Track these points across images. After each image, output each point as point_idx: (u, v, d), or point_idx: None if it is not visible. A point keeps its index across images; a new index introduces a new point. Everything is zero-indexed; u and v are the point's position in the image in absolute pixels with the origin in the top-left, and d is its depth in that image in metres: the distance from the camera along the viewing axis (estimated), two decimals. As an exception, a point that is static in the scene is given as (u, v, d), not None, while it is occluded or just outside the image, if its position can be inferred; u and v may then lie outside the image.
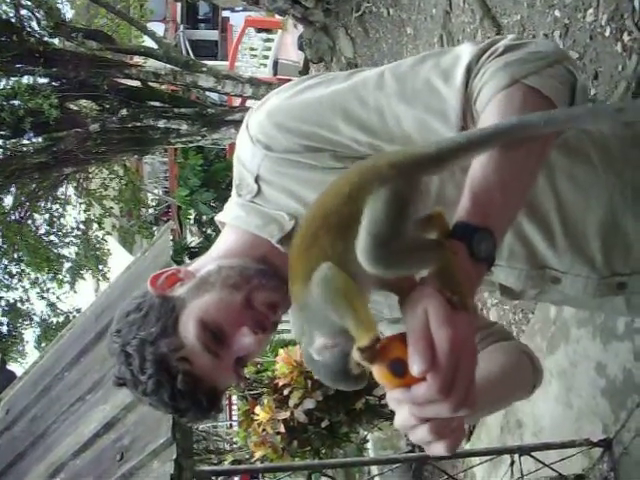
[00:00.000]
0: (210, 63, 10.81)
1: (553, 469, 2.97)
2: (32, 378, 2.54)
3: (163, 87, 8.64)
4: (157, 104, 8.10)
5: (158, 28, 13.18)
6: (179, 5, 16.90)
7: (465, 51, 1.01)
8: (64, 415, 2.14)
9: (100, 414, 1.92)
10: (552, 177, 1.12)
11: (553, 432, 3.42)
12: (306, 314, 0.84)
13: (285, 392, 4.80)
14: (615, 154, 1.15)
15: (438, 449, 0.84)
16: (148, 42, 9.45)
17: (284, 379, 4.84)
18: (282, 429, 4.72)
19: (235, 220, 1.21)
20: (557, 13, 3.69)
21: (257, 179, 1.16)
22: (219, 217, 1.27)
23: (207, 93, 8.90)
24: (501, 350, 1.23)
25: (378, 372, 0.81)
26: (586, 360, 3.36)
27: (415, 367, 0.77)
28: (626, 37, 3.14)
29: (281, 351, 5.08)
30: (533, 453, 2.97)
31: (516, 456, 3.04)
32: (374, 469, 5.00)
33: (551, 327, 3.62)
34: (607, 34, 3.30)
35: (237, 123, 7.84)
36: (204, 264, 1.21)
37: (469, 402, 0.80)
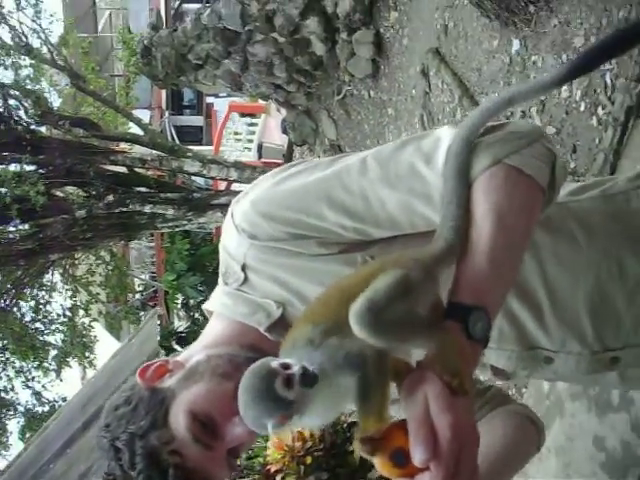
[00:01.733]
0: (195, 148, 10.97)
1: None
2: (16, 471, 2.45)
3: (149, 173, 8.72)
4: (143, 189, 8.16)
5: (144, 115, 13.41)
6: (164, 92, 17.25)
7: (445, 133, 1.02)
8: (50, 509, 2.06)
9: (87, 507, 1.85)
10: (538, 256, 1.12)
11: (553, 511, 3.33)
12: (301, 347, 0.82)
13: (277, 479, 4.68)
14: (598, 231, 1.15)
15: None
16: (134, 129, 9.60)
17: (276, 465, 4.73)
18: (275, 517, 4.58)
19: (222, 308, 1.21)
20: (534, 91, 3.80)
21: (244, 267, 1.15)
22: (206, 306, 1.26)
23: (193, 178, 8.98)
24: (501, 418, 1.21)
25: (379, 462, 0.79)
26: (583, 434, 3.30)
27: (417, 457, 0.76)
28: (600, 111, 3.23)
29: (272, 437, 4.98)
30: (534, 532, 2.87)
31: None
32: None
33: (545, 402, 3.58)
34: (582, 109, 3.39)
35: (223, 207, 7.89)
36: (193, 354, 1.20)
37: None
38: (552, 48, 3.63)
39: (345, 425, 5.04)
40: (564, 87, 3.52)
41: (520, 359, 1.16)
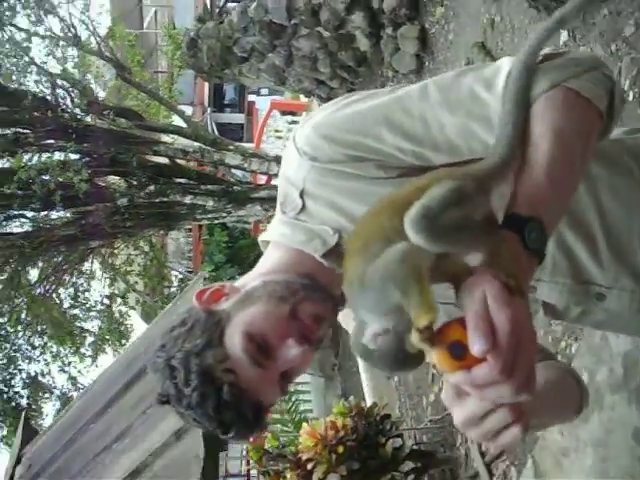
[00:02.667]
0: (240, 144, 11.05)
1: (591, 541, 2.83)
2: (56, 432, 2.50)
3: (191, 164, 8.81)
4: (184, 181, 8.24)
5: (186, 111, 13.54)
6: (206, 89, 17.40)
7: (505, 62, 1.04)
8: (89, 466, 2.10)
9: (127, 461, 1.89)
10: (594, 189, 1.12)
11: (589, 506, 3.28)
12: (360, 295, 0.84)
13: (309, 467, 4.68)
14: None
15: (513, 434, 0.83)
16: (177, 121, 9.70)
17: (308, 453, 4.73)
18: (306, 505, 4.59)
19: (279, 237, 1.22)
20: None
21: (302, 193, 1.17)
22: (263, 237, 1.27)
23: (233, 171, 9.05)
24: (545, 367, 1.20)
25: (437, 355, 0.81)
26: (622, 427, 3.25)
27: (476, 347, 0.77)
28: (652, 103, 3.19)
29: (305, 425, 4.99)
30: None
31: (551, 530, 2.92)
32: None
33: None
34: (630, 98, 3.34)
35: (263, 200, 7.94)
36: (249, 281, 1.21)
37: (531, 385, 0.80)
38: (601, 38, 3.59)
39: (378, 417, 5.03)
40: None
41: (572, 293, 1.15)
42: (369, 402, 6.36)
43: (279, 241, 1.22)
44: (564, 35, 3.93)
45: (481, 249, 0.84)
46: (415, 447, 5.58)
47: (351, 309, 0.89)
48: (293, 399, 7.66)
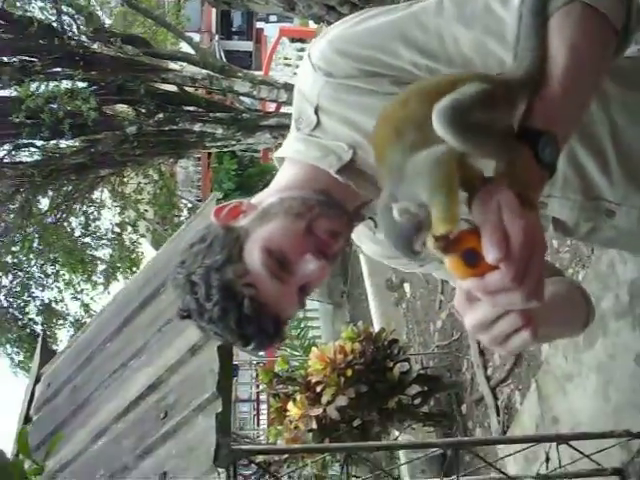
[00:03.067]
0: (249, 71, 10.90)
1: (592, 459, 2.92)
2: (73, 352, 2.57)
3: (199, 92, 8.73)
4: (193, 108, 8.18)
5: (193, 38, 13.33)
6: (214, 16, 17.10)
7: None
8: (106, 382, 2.17)
9: (143, 377, 1.95)
10: (607, 106, 1.13)
11: (591, 427, 3.38)
12: (397, 178, 0.87)
13: (318, 389, 4.80)
14: None
15: (522, 338, 0.87)
16: (185, 48, 9.58)
17: (317, 376, 4.85)
18: (314, 426, 4.71)
19: (294, 154, 1.24)
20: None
21: (317, 110, 1.18)
22: (278, 153, 1.29)
23: (242, 98, 8.97)
24: (554, 282, 1.23)
25: (451, 262, 0.84)
26: (626, 352, 3.32)
27: (491, 255, 0.80)
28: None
29: (314, 349, 5.10)
30: (571, 443, 2.93)
31: (552, 450, 3.01)
32: (403, 458, 4.98)
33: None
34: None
35: (272, 128, 7.89)
36: (265, 197, 1.24)
37: (540, 293, 0.83)
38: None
39: (386, 342, 5.13)
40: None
41: (582, 210, 1.18)
42: (377, 328, 6.47)
43: (294, 157, 1.24)
44: None
45: (499, 157, 0.86)
46: (422, 371, 5.71)
47: (387, 188, 0.90)
48: (302, 325, 7.80)
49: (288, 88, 8.04)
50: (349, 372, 4.82)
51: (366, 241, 1.39)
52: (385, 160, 0.89)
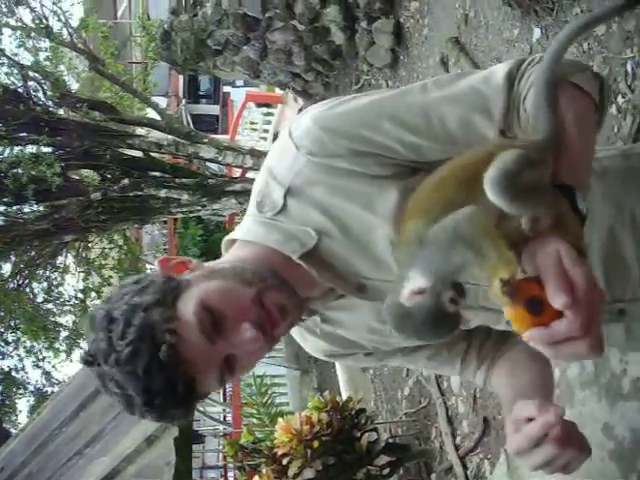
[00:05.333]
0: (214, 137, 10.98)
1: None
2: (28, 435, 2.48)
3: (165, 157, 8.74)
4: (159, 174, 8.18)
5: (160, 102, 13.44)
6: (181, 80, 17.28)
7: (500, 65, 1.11)
8: (61, 470, 2.09)
9: (99, 467, 1.88)
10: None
11: (560, 499, 3.33)
12: (416, 254, 0.86)
13: (284, 462, 4.70)
14: (614, 185, 1.21)
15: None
16: (151, 114, 9.63)
17: (283, 448, 4.75)
18: (281, 500, 4.60)
19: (250, 236, 1.18)
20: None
21: (287, 193, 1.14)
22: (231, 236, 1.23)
23: (208, 164, 9.00)
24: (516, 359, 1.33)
25: (513, 311, 0.81)
26: (593, 422, 3.29)
27: (559, 300, 0.79)
28: (620, 99, 3.21)
29: (280, 420, 5.01)
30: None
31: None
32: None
33: (555, 390, 3.58)
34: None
35: (237, 194, 7.91)
36: (216, 263, 1.19)
37: (602, 344, 0.83)
38: (574, 37, 3.61)
39: (353, 412, 5.05)
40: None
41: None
42: (345, 395, 6.39)
43: (250, 239, 1.18)
44: (537, 32, 3.95)
45: (550, 212, 0.87)
46: (390, 440, 5.62)
47: (399, 272, 0.90)
48: (269, 392, 7.68)
49: (253, 154, 8.10)
50: (316, 444, 4.73)
51: (311, 338, 1.32)
52: (406, 237, 0.89)
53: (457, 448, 4.85)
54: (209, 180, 8.03)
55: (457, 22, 4.99)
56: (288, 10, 6.95)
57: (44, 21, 8.44)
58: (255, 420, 7.03)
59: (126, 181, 7.77)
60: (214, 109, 19.47)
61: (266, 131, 11.93)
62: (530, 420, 0.99)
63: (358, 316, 1.24)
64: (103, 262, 9.30)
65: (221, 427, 9.92)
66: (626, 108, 3.16)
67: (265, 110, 12.30)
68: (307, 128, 1.12)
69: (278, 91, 10.29)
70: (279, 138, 1.18)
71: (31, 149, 7.62)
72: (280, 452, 4.77)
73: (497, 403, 4.28)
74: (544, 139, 0.96)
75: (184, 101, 17.67)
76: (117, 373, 1.05)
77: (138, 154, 8.32)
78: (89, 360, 1.09)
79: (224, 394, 11.25)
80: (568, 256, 0.82)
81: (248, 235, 1.19)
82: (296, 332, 1.32)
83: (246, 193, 8.01)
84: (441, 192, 0.90)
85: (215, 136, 12.10)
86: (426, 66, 5.66)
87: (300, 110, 9.02)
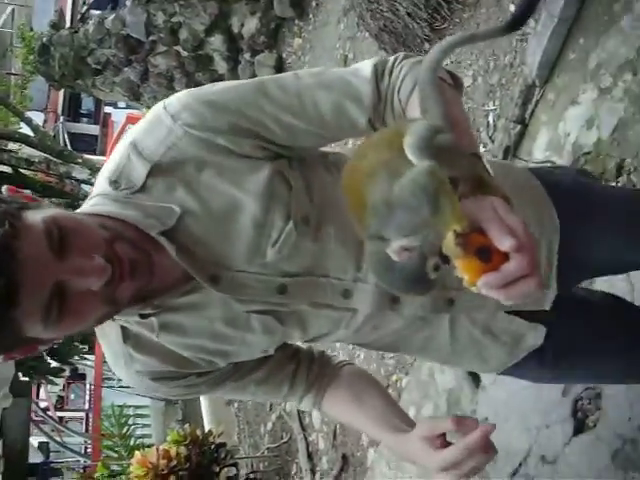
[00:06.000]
0: (89, 157, 10.66)
1: None
2: None
3: (37, 175, 8.41)
4: (28, 192, 7.85)
5: (38, 117, 12.99)
6: (61, 97, 16.77)
7: (366, 61, 1.17)
8: None
9: None
10: None
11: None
12: (388, 216, 0.88)
13: (139, 496, 4.55)
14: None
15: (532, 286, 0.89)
16: (25, 129, 9.27)
17: (138, 482, 4.60)
18: (134, 537, 4.44)
19: (104, 211, 1.09)
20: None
21: (152, 170, 1.08)
22: (79, 210, 1.14)
23: (82, 185, 8.72)
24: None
25: (465, 262, 0.87)
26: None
27: (507, 243, 0.85)
28: (482, 149, 3.35)
29: (137, 453, 4.85)
30: None
31: None
32: None
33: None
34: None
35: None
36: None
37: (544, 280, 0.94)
38: (442, 85, 3.75)
39: (213, 446, 4.96)
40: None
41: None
42: (207, 428, 6.26)
43: (102, 213, 1.10)
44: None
45: (469, 171, 0.94)
46: (251, 476, 5.55)
47: (371, 235, 0.91)
48: (129, 423, 7.43)
49: (129, 177, 7.92)
50: (172, 478, 4.60)
51: (139, 357, 1.20)
52: (366, 203, 0.91)
53: (316, 484, 4.84)
54: (80, 202, 7.78)
55: (337, 62, 5.09)
56: (172, 35, 6.90)
57: None
58: (112, 453, 6.77)
59: (-9, 197, 7.42)
60: (94, 129, 18.99)
61: (145, 155, 11.68)
62: (443, 435, 1.15)
63: (202, 319, 1.16)
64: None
65: (82, 460, 9.51)
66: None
67: (146, 134, 12.07)
68: (186, 102, 1.09)
69: (160, 116, 10.14)
70: (146, 115, 1.13)
71: None
72: (135, 486, 4.61)
73: (357, 439, 4.30)
74: (440, 116, 1.01)
75: (62, 118, 17.13)
76: None
77: (7, 170, 7.97)
78: None
79: (86, 424, 10.83)
80: (502, 206, 0.89)
81: (99, 209, 1.10)
82: (116, 354, 1.21)
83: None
84: (369, 158, 0.94)
85: (91, 157, 11.78)
86: (305, 102, 5.73)
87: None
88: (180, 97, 1.11)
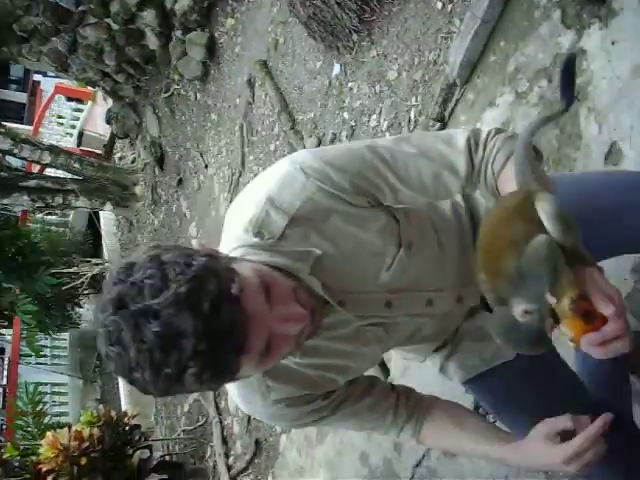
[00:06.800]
0: (14, 126, 10.32)
1: None
2: None
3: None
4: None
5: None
6: (-13, 62, 16.15)
7: (458, 132, 1.30)
8: None
9: None
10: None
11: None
12: (519, 284, 1.05)
13: (49, 479, 4.48)
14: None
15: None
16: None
17: (48, 464, 4.53)
18: (41, 519, 4.38)
19: (255, 257, 1.22)
20: (346, 115, 3.92)
21: (291, 221, 1.22)
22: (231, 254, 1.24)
23: (6, 156, 8.45)
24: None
25: (573, 323, 1.04)
26: (352, 450, 3.43)
27: (609, 310, 1.02)
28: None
29: (48, 434, 4.77)
30: None
31: None
32: None
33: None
34: (387, 136, 3.54)
35: (31, 190, 7.49)
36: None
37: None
38: (368, 78, 3.76)
39: (127, 427, 4.92)
40: (373, 116, 3.67)
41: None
42: (125, 408, 6.20)
43: (253, 260, 1.21)
44: (337, 68, 4.08)
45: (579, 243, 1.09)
46: (167, 458, 5.53)
47: (499, 298, 1.08)
48: (44, 401, 7.28)
49: (52, 150, 7.71)
50: (83, 460, 4.55)
51: (275, 385, 1.33)
52: (503, 269, 1.06)
53: (229, 468, 4.86)
54: (1, 173, 7.55)
55: (267, 46, 5.05)
56: (103, 7, 6.70)
57: None
58: (22, 433, 6.62)
59: None
60: (22, 97, 18.38)
61: (73, 127, 11.38)
62: (565, 432, 1.28)
63: (331, 338, 1.32)
64: None
65: (-4, 438, 9.28)
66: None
67: (75, 105, 11.76)
68: (313, 161, 1.24)
69: (89, 87, 9.89)
70: (273, 170, 1.26)
71: None
72: (45, 469, 4.55)
73: (270, 427, 4.33)
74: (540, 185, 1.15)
75: (-12, 84, 16.55)
76: (169, 309, 0.98)
77: None
78: (118, 304, 1.01)
79: (4, 400, 10.57)
80: (600, 277, 1.05)
81: (254, 259, 1.21)
82: (252, 389, 1.33)
83: (41, 190, 7.60)
84: (509, 230, 1.08)
85: (16, 125, 11.43)
86: (234, 84, 5.67)
87: (109, 110, 8.73)
88: (307, 156, 1.26)
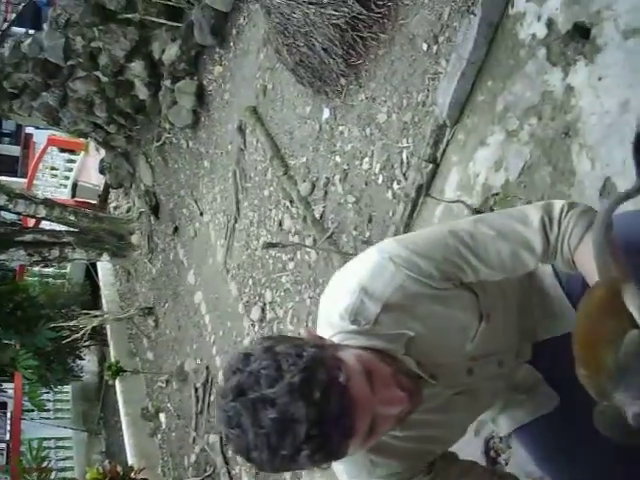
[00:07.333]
0: (9, 179, 10.36)
1: None
2: None
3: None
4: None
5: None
6: (-21, 117, 16.25)
7: (531, 209, 1.36)
8: None
9: None
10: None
11: None
12: (619, 379, 1.05)
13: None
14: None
15: None
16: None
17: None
18: None
19: (354, 341, 1.28)
20: (338, 159, 3.93)
21: (384, 307, 1.28)
22: (329, 336, 1.31)
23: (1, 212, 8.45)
24: None
25: None
26: None
27: None
28: (395, 185, 3.39)
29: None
30: None
31: None
32: None
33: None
34: (380, 182, 3.54)
35: (27, 245, 7.49)
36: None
37: None
38: (358, 121, 3.78)
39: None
40: (365, 159, 3.68)
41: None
42: (131, 460, 6.12)
43: (354, 345, 1.28)
44: (326, 112, 4.10)
45: None
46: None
47: (604, 395, 1.08)
48: (49, 457, 7.20)
49: (47, 204, 7.73)
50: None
51: (381, 460, 1.38)
52: (602, 366, 1.07)
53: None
54: (-4, 229, 7.55)
55: (256, 92, 5.08)
56: (91, 60, 6.78)
57: None
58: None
59: None
60: (15, 150, 18.45)
61: (67, 178, 11.42)
62: None
63: (425, 410, 1.35)
64: None
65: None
66: (400, 195, 3.33)
67: (68, 156, 11.81)
68: (398, 251, 1.30)
69: (81, 139, 9.94)
70: (362, 260, 1.34)
71: None
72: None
73: (279, 474, 4.27)
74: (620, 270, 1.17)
75: (-19, 139, 16.62)
76: (284, 397, 1.08)
77: None
78: (236, 391, 1.12)
79: (7, 456, 10.44)
80: None
81: (353, 344, 1.28)
82: (358, 467, 1.38)
83: (37, 244, 7.60)
84: (601, 327, 1.09)
85: (10, 179, 11.47)
86: (225, 131, 5.70)
87: (102, 160, 8.76)
88: (394, 246, 1.33)
